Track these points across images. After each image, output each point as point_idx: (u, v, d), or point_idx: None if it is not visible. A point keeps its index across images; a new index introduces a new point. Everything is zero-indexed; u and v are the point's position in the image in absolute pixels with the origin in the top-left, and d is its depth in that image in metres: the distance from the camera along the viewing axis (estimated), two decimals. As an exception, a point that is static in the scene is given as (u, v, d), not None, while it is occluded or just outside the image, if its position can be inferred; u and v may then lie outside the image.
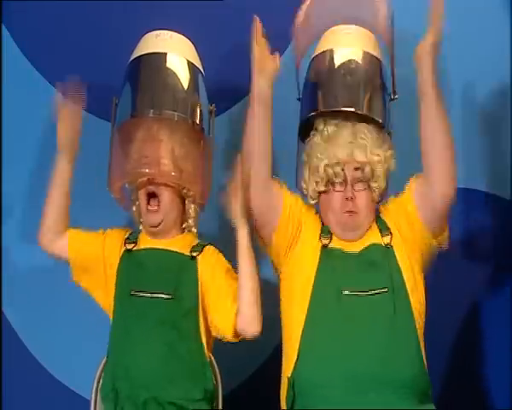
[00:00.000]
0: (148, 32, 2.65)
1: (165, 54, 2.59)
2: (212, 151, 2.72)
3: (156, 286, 2.43)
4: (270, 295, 3.15)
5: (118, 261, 2.51)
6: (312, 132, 2.46)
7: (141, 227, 2.59)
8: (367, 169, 2.33)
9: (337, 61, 2.54)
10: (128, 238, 2.55)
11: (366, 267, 2.31)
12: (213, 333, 2.46)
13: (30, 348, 3.13)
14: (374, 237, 2.37)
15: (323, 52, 2.58)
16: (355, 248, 2.36)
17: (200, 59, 2.68)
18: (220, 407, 2.55)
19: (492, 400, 2.92)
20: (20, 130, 3.15)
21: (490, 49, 3.07)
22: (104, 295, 2.52)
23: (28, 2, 3.11)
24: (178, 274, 2.45)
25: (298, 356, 2.28)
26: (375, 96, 2.49)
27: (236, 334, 2.41)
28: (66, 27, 3.12)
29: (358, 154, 2.33)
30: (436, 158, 2.26)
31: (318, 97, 2.52)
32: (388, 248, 2.32)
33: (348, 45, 2.56)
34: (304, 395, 2.25)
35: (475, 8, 3.08)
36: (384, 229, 2.37)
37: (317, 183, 2.38)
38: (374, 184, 2.36)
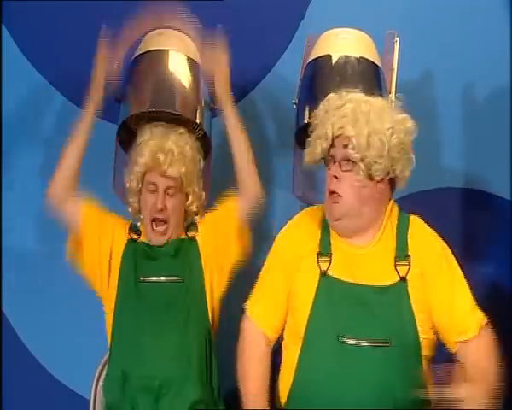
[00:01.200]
0: (148, 32, 2.65)
1: (167, 51, 2.59)
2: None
3: (165, 272, 2.47)
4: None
5: (122, 250, 2.52)
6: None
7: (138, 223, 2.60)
8: (355, 144, 2.05)
9: (333, 67, 2.54)
10: (131, 228, 2.56)
11: (366, 313, 2.06)
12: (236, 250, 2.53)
13: (30, 348, 3.13)
14: (385, 258, 2.10)
15: (320, 57, 2.58)
16: (360, 269, 2.10)
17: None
18: (220, 407, 2.55)
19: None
20: (20, 130, 3.14)
21: (490, 49, 3.06)
22: (103, 281, 2.52)
23: (28, 2, 3.11)
24: (183, 259, 2.50)
25: (290, 390, 2.12)
26: None
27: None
28: (66, 27, 3.12)
29: (350, 128, 2.06)
30: None
31: (314, 103, 2.52)
32: (402, 281, 2.07)
33: (345, 51, 2.56)
34: None
35: (475, 8, 3.08)
36: (401, 252, 2.10)
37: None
38: (362, 165, 2.07)
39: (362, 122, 2.06)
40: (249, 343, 2.21)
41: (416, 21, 3.04)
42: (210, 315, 2.49)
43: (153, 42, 2.61)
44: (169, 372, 2.39)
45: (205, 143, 2.66)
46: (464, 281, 2.13)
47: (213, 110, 2.68)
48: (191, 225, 2.57)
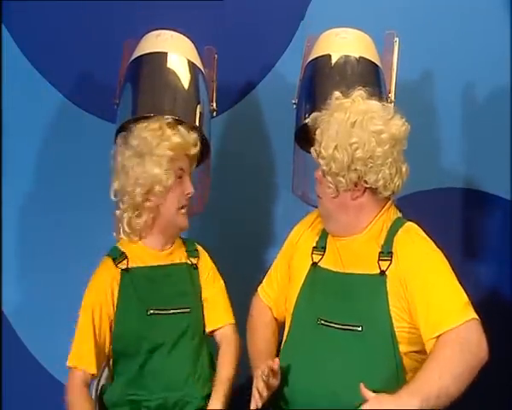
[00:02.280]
0: (148, 32, 2.65)
1: (166, 53, 2.59)
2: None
3: (173, 302, 2.37)
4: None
5: (117, 287, 2.35)
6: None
7: (121, 240, 2.44)
8: (323, 155, 2.20)
9: (333, 67, 2.54)
10: (114, 260, 2.38)
11: (344, 298, 2.18)
12: None
13: (30, 348, 3.13)
14: (371, 252, 2.19)
15: (320, 57, 2.58)
16: (347, 259, 2.23)
17: (201, 59, 2.68)
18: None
19: (492, 399, 2.92)
20: (20, 130, 3.14)
21: (490, 49, 3.07)
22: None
23: (28, 2, 3.11)
24: (189, 286, 2.42)
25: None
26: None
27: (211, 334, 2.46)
28: (66, 27, 3.11)
29: (321, 139, 2.20)
30: None
31: (314, 103, 2.53)
32: (382, 275, 2.15)
33: (344, 51, 2.56)
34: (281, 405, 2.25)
35: (475, 9, 3.08)
36: (386, 249, 2.18)
37: None
38: (328, 177, 2.21)
39: (333, 134, 2.18)
40: (257, 311, 2.45)
41: (415, 21, 3.04)
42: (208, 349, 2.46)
43: (151, 44, 2.60)
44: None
45: (204, 144, 2.66)
46: (451, 283, 2.10)
47: (213, 111, 2.68)
48: (192, 251, 2.49)
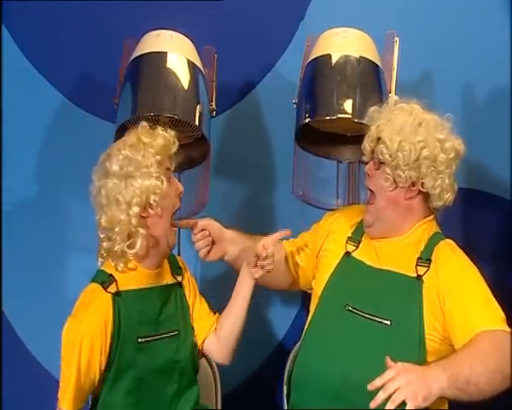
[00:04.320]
0: (148, 32, 2.65)
1: (166, 53, 2.59)
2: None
3: (161, 327, 2.26)
4: (270, 297, 3.16)
5: (110, 312, 2.17)
6: None
7: (110, 264, 2.24)
8: (387, 146, 2.18)
9: (333, 67, 2.54)
10: (102, 284, 2.20)
11: (377, 291, 2.18)
12: None
13: (30, 348, 3.13)
14: (409, 256, 2.18)
15: (320, 57, 2.58)
16: (383, 256, 2.23)
17: (200, 59, 2.68)
18: (220, 407, 2.55)
19: (491, 400, 2.92)
20: (20, 130, 3.15)
21: (490, 49, 3.07)
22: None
23: (28, 2, 3.11)
24: (175, 307, 2.31)
25: (297, 356, 2.29)
26: (371, 101, 2.47)
27: (202, 353, 2.39)
28: (66, 27, 3.12)
29: (387, 131, 2.19)
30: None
31: (314, 103, 2.53)
32: (419, 279, 2.14)
33: (345, 50, 2.56)
34: (295, 393, 2.26)
35: (475, 9, 3.08)
36: (425, 256, 2.17)
37: None
38: (387, 168, 2.19)
39: (398, 129, 2.17)
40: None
41: (415, 21, 3.04)
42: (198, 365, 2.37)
43: (151, 43, 2.60)
44: None
45: (204, 144, 2.66)
46: (489, 296, 2.10)
47: (212, 111, 2.68)
48: (176, 268, 2.37)
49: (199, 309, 2.38)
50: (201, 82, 2.63)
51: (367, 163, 2.27)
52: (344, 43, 2.58)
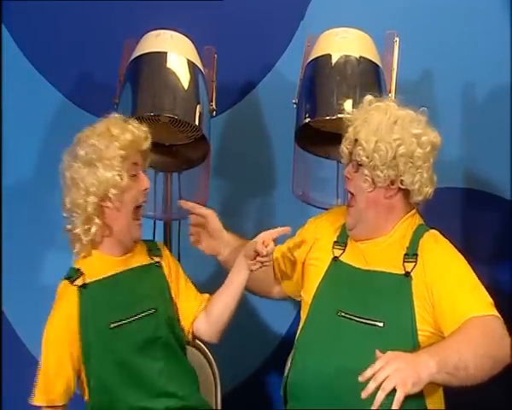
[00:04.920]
0: (148, 32, 2.65)
1: (166, 53, 2.59)
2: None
3: (136, 308, 2.26)
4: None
5: (76, 307, 2.22)
6: None
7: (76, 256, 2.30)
8: (364, 147, 2.17)
9: (333, 67, 2.54)
10: (69, 279, 2.25)
11: (367, 294, 2.18)
12: None
13: (30, 348, 3.13)
14: (395, 254, 2.19)
15: (320, 57, 2.58)
16: (370, 258, 2.22)
17: (200, 59, 2.68)
18: (220, 407, 2.55)
19: (492, 400, 2.92)
20: (20, 130, 3.15)
21: (490, 49, 3.07)
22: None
23: (28, 2, 3.11)
24: (151, 286, 2.31)
25: (292, 362, 2.27)
26: None
27: (192, 334, 2.37)
28: (66, 27, 3.12)
29: (364, 132, 2.19)
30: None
31: (314, 103, 2.53)
32: (407, 276, 2.14)
33: (345, 50, 2.56)
34: (293, 399, 2.25)
35: (475, 9, 3.08)
36: (411, 251, 2.18)
37: None
38: (365, 170, 2.19)
39: (374, 129, 2.17)
40: None
41: (415, 21, 3.04)
42: (183, 339, 2.35)
43: (151, 43, 2.60)
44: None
45: (204, 144, 2.66)
46: (477, 284, 2.12)
47: (212, 111, 2.68)
48: (155, 249, 2.37)
49: (185, 291, 2.37)
50: (201, 82, 2.63)
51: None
52: (344, 43, 2.58)
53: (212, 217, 2.42)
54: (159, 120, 2.55)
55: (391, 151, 2.15)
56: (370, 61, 2.57)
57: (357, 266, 2.23)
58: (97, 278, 2.26)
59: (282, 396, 2.29)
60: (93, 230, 2.23)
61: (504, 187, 3.10)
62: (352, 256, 2.26)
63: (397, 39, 2.70)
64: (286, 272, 2.43)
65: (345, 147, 2.24)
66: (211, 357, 2.55)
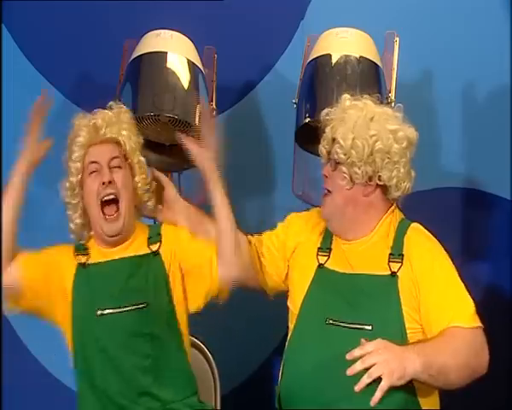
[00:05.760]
0: (148, 32, 2.65)
1: (166, 53, 2.59)
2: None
3: (125, 300, 2.22)
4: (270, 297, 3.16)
5: (71, 279, 2.25)
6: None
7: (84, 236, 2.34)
8: (341, 145, 2.18)
9: (333, 67, 2.55)
10: (77, 250, 2.29)
11: (354, 298, 2.16)
12: (201, 301, 2.29)
13: (30, 348, 3.13)
14: (380, 254, 2.18)
15: (320, 57, 2.58)
16: (355, 261, 2.20)
17: (201, 59, 2.68)
18: (220, 407, 2.55)
19: (491, 400, 2.92)
20: (20, 130, 3.14)
21: (490, 49, 3.07)
22: (60, 316, 2.26)
23: (28, 2, 3.11)
24: (146, 279, 2.26)
25: (282, 371, 2.25)
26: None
27: (221, 286, 2.26)
28: (65, 27, 3.12)
29: (340, 131, 2.18)
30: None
31: (314, 103, 2.53)
32: (393, 276, 2.14)
33: (345, 50, 2.56)
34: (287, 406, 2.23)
35: (475, 8, 3.08)
36: (396, 251, 2.17)
37: None
38: (343, 167, 2.18)
39: (351, 127, 2.17)
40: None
41: (415, 21, 3.05)
42: (185, 340, 2.29)
43: (151, 43, 2.60)
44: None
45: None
46: (461, 286, 2.13)
47: (212, 111, 2.68)
48: (154, 236, 2.32)
49: (193, 267, 2.28)
50: (201, 82, 2.63)
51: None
52: (344, 43, 2.58)
53: (167, 184, 2.43)
54: (159, 119, 2.55)
55: (367, 147, 2.15)
56: (370, 60, 2.57)
57: (343, 272, 2.21)
58: (95, 262, 2.27)
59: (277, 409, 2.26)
60: (75, 216, 2.30)
61: (504, 187, 3.10)
62: (337, 262, 2.24)
63: (397, 39, 2.70)
64: (266, 266, 2.38)
65: (323, 147, 2.25)
66: (210, 357, 2.55)
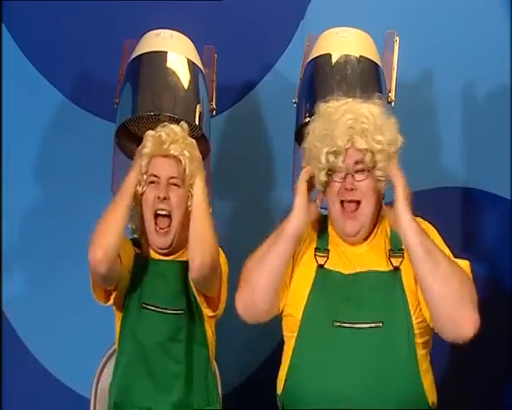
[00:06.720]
0: (148, 32, 2.66)
1: (166, 52, 2.59)
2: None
3: (168, 301, 2.32)
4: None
5: (131, 266, 2.34)
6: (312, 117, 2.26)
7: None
8: (368, 157, 2.10)
9: (333, 66, 2.55)
10: (134, 243, 2.40)
11: (360, 297, 2.12)
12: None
13: (30, 348, 3.13)
14: (380, 251, 2.17)
15: (320, 56, 2.58)
16: (355, 260, 2.16)
17: (201, 58, 2.68)
18: (220, 407, 2.55)
19: (491, 400, 2.92)
20: (20, 130, 3.15)
21: (490, 49, 3.07)
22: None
23: (28, 2, 3.11)
24: (190, 287, 2.32)
25: (286, 379, 2.19)
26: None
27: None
28: (66, 27, 3.12)
29: (359, 140, 2.09)
30: (435, 310, 2.04)
31: (314, 103, 2.53)
32: (396, 270, 2.13)
33: (345, 50, 2.56)
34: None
35: (475, 8, 3.08)
36: (395, 246, 2.16)
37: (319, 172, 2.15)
38: (377, 173, 2.12)
39: (372, 130, 2.10)
40: None
41: (415, 21, 3.05)
42: (210, 342, 2.39)
43: (151, 43, 2.61)
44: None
45: (204, 143, 2.66)
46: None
47: (212, 111, 2.68)
48: None
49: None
50: (201, 82, 2.63)
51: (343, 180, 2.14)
52: (344, 43, 2.58)
53: None
54: (159, 119, 2.55)
55: (387, 149, 2.11)
56: (370, 60, 2.57)
57: (344, 271, 2.16)
58: (147, 256, 2.37)
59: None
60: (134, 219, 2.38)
61: (504, 187, 3.10)
62: (337, 262, 2.17)
63: (397, 39, 2.70)
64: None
65: (341, 162, 2.10)
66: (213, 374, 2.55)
